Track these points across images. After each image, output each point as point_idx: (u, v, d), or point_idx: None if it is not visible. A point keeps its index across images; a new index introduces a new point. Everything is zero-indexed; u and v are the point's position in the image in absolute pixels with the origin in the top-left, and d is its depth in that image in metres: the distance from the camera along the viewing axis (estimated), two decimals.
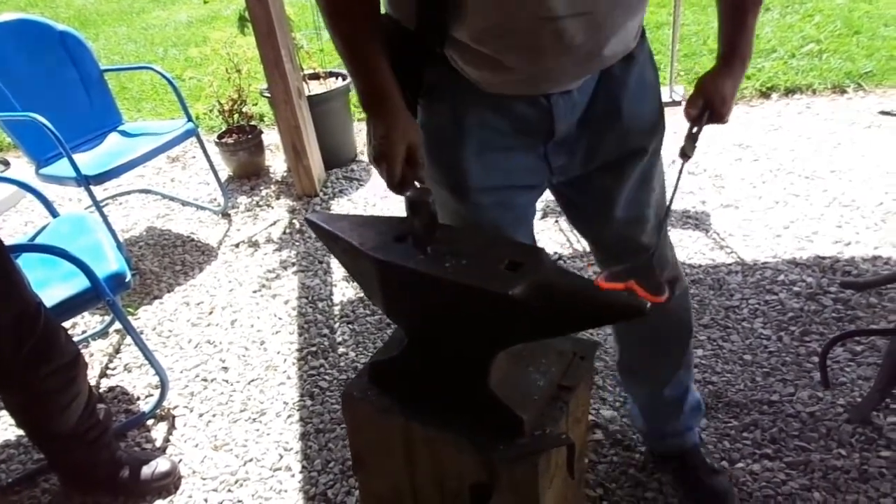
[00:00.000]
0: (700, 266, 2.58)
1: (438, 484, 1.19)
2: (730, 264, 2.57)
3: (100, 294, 1.94)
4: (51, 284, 1.95)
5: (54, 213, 2.41)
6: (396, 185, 1.09)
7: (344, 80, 3.57)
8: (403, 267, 1.02)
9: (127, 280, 2.04)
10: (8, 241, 1.60)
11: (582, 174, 1.28)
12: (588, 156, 1.25)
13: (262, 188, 3.59)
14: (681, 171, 1.22)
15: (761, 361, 2.11)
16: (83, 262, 1.91)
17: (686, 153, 1.23)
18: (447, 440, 1.10)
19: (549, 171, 1.26)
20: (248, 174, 3.67)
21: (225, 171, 3.74)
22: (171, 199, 3.61)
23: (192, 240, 3.22)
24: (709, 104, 1.22)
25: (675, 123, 1.37)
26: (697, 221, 2.86)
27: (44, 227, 2.31)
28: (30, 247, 2.01)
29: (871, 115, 3.57)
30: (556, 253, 2.74)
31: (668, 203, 1.26)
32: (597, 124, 1.21)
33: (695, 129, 1.24)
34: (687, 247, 2.70)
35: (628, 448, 1.88)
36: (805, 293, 2.35)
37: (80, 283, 1.94)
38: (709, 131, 1.28)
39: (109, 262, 2.06)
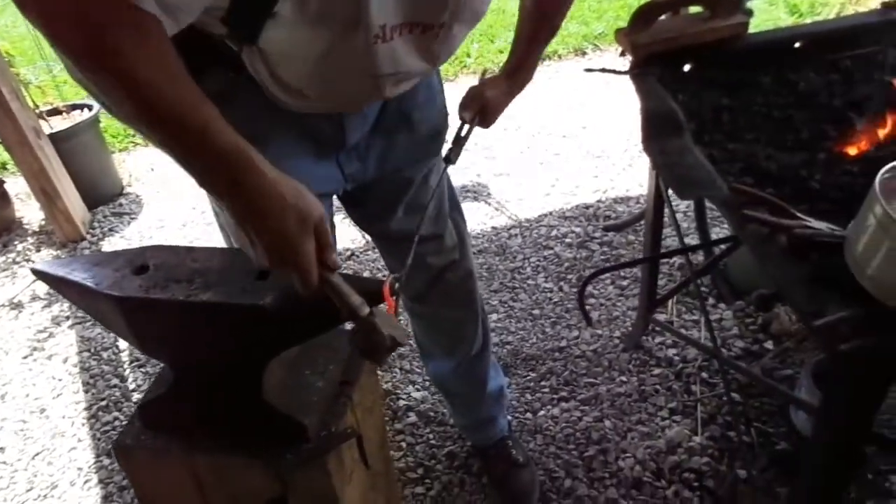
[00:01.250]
0: (484, 234, 2.73)
1: None
2: (510, 228, 2.74)
3: None
4: None
5: None
6: (314, 289, 0.83)
7: (90, 110, 3.28)
8: (146, 299, 0.97)
9: None
10: None
11: (373, 179, 1.29)
12: (380, 162, 1.26)
13: (16, 242, 3.20)
14: (442, 175, 1.31)
15: (548, 313, 2.29)
16: None
17: (451, 159, 1.31)
18: (234, 462, 1.07)
19: (342, 179, 1.24)
20: None
21: None
22: None
23: None
24: (483, 111, 1.32)
25: None
26: (476, 193, 3.01)
27: None
28: None
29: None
30: (347, 249, 2.75)
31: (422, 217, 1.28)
32: (388, 132, 1.23)
33: (463, 134, 1.32)
34: (469, 219, 2.81)
35: (442, 423, 1.95)
36: (576, 243, 2.57)
37: None
38: None
39: None
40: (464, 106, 1.33)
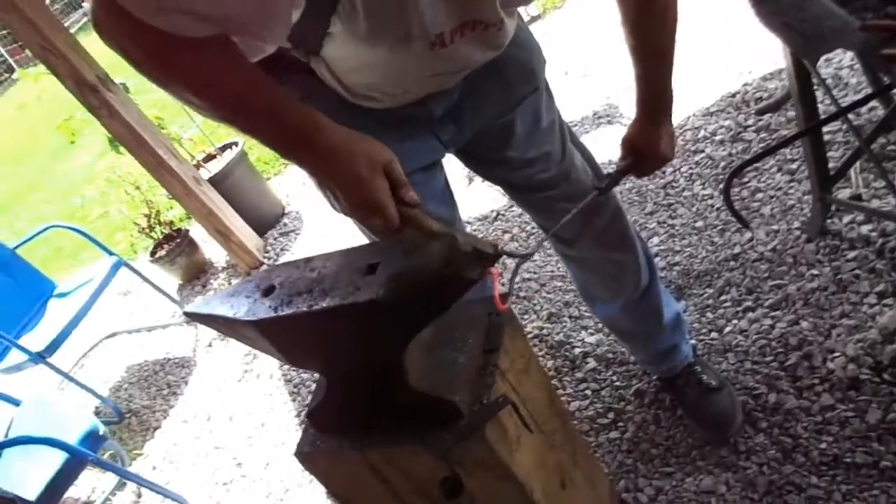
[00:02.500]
0: None
1: (422, 493, 1.18)
2: None
3: (81, 459, 1.94)
4: (33, 472, 1.95)
5: (16, 403, 2.40)
6: (396, 228, 0.90)
7: (237, 146, 3.55)
8: (277, 318, 1.01)
9: (101, 433, 2.03)
10: None
11: (475, 135, 1.26)
12: (476, 119, 1.23)
13: (212, 280, 3.58)
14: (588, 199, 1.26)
15: (713, 222, 2.10)
16: (51, 438, 1.91)
17: (599, 187, 1.28)
18: (401, 451, 1.09)
19: (441, 147, 1.23)
20: (195, 274, 3.66)
21: (174, 281, 3.73)
22: (136, 331, 3.60)
23: (169, 359, 3.21)
24: (636, 158, 1.28)
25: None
26: (609, 116, 2.84)
27: (11, 421, 2.31)
28: None
29: None
30: (492, 210, 2.72)
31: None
32: (477, 89, 1.19)
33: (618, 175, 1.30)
34: (610, 145, 2.67)
35: (623, 363, 1.87)
36: (728, 138, 2.33)
37: (60, 457, 1.93)
38: None
39: (80, 425, 2.05)
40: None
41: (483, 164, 1.38)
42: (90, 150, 7.51)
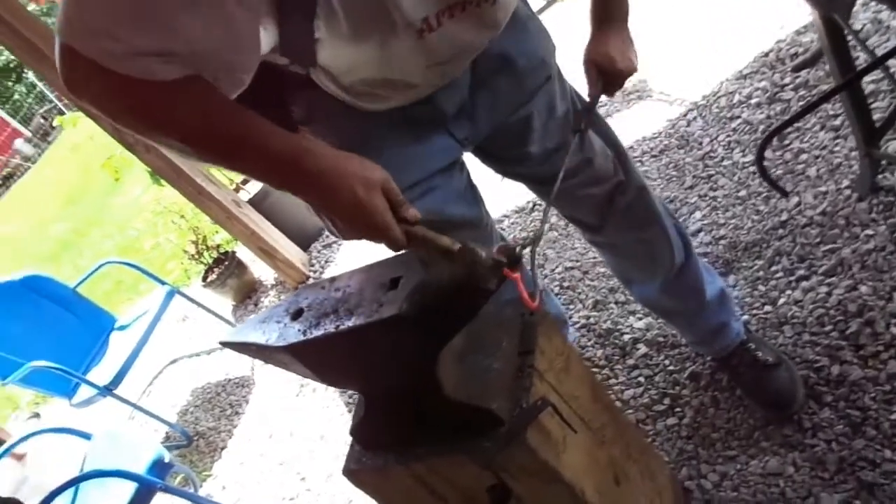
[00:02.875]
0: (660, 132, 2.49)
1: (471, 501, 1.16)
2: (685, 114, 2.47)
3: (150, 487, 1.99)
4: (109, 503, 2.02)
5: (87, 437, 2.49)
6: (402, 243, 0.89)
7: None
8: (306, 341, 1.01)
9: (167, 461, 2.09)
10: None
11: (491, 131, 1.23)
12: (491, 114, 1.20)
13: (262, 299, 3.64)
14: (573, 142, 1.20)
15: (756, 189, 2.02)
16: (120, 470, 1.97)
17: (579, 128, 1.21)
18: (444, 462, 1.08)
19: (458, 145, 1.21)
20: (246, 294, 3.73)
21: (227, 303, 3.81)
22: (196, 355, 3.70)
23: (229, 380, 3.28)
24: (601, 71, 1.19)
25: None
26: (639, 91, 2.77)
27: (85, 455, 2.40)
28: (67, 484, 2.08)
29: None
30: (528, 202, 2.68)
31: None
32: (488, 82, 1.16)
33: (588, 99, 1.23)
34: (641, 120, 2.61)
35: (675, 346, 1.82)
36: (765, 100, 2.24)
37: (131, 487, 2.00)
38: None
39: (147, 455, 2.11)
40: (588, 83, 1.22)
41: (503, 161, 1.35)
42: (139, 182, 7.77)
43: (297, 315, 1.07)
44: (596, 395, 1.28)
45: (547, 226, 1.10)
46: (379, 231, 0.85)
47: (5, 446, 2.54)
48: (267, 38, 0.86)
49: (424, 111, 1.12)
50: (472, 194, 1.31)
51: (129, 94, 0.77)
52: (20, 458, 2.99)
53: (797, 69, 2.20)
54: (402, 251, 0.94)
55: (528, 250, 0.93)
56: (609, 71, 1.18)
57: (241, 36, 0.80)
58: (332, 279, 1.10)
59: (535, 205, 2.66)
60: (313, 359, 1.04)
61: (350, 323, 0.96)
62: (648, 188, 1.42)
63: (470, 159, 1.30)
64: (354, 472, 1.18)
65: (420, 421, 1.10)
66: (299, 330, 1.03)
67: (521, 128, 1.25)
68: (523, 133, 1.25)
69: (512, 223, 2.66)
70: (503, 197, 2.72)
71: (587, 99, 1.24)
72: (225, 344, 1.18)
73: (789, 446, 1.46)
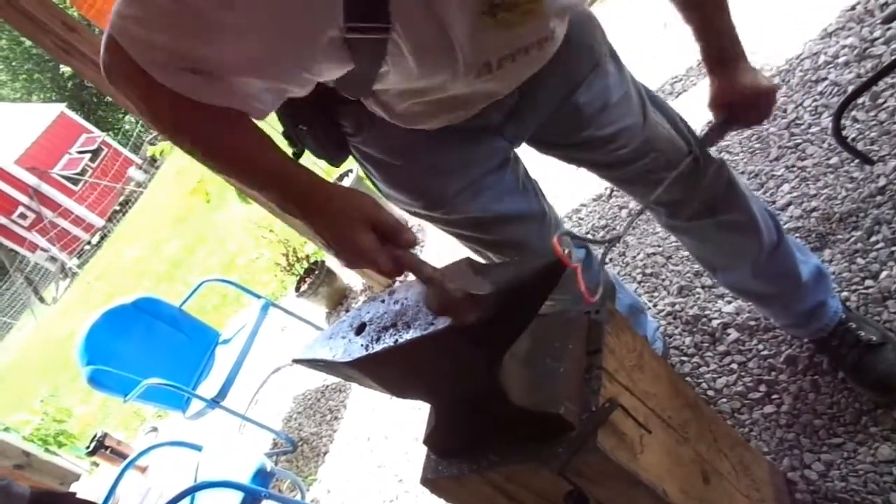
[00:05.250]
0: None
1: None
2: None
3: (255, 496, 2.09)
4: None
5: (198, 448, 2.64)
6: (392, 271, 0.94)
7: (351, 173, 3.68)
8: (370, 356, 1.02)
9: (269, 470, 2.18)
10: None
11: (541, 124, 1.22)
12: (538, 109, 1.19)
13: (353, 305, 3.73)
14: (680, 167, 1.23)
15: (849, 155, 1.87)
16: (226, 481, 2.08)
17: (693, 151, 1.24)
18: (519, 469, 1.07)
19: (507, 142, 1.21)
20: (338, 301, 3.84)
21: (321, 311, 3.94)
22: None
23: (327, 386, 3.39)
24: (733, 108, 1.22)
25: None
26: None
27: (197, 465, 2.54)
28: (182, 495, 2.21)
29: None
30: (606, 188, 2.60)
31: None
32: (533, 80, 1.13)
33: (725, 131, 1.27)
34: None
35: (769, 329, 1.72)
36: (853, 57, 2.07)
37: (238, 496, 2.10)
38: None
39: (251, 465, 2.21)
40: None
41: (563, 149, 1.32)
42: (234, 199, 8.16)
43: (360, 329, 1.08)
44: (676, 391, 1.22)
45: (627, 229, 1.08)
46: (365, 261, 0.91)
47: (128, 460, 2.73)
48: (328, 73, 0.89)
49: (473, 123, 1.12)
50: (526, 188, 1.29)
51: (162, 103, 0.82)
52: (143, 470, 3.22)
53: (888, 20, 2.03)
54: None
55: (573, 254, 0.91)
56: (744, 105, 1.20)
57: (284, 65, 0.83)
58: (391, 291, 1.10)
59: (612, 191, 2.58)
60: (378, 372, 1.06)
61: (408, 336, 0.97)
62: (727, 165, 1.34)
63: (531, 153, 1.28)
64: (431, 481, 1.18)
65: (491, 427, 1.10)
66: (362, 345, 1.04)
67: (573, 115, 1.21)
68: (577, 120, 1.22)
69: (590, 212, 2.59)
70: (580, 185, 2.66)
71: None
72: (297, 361, 1.21)
73: None
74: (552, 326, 1.13)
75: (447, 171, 1.17)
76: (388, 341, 1.00)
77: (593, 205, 2.61)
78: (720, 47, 1.16)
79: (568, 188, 2.65)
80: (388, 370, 1.04)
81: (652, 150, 1.27)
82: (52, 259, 17.42)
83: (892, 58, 1.91)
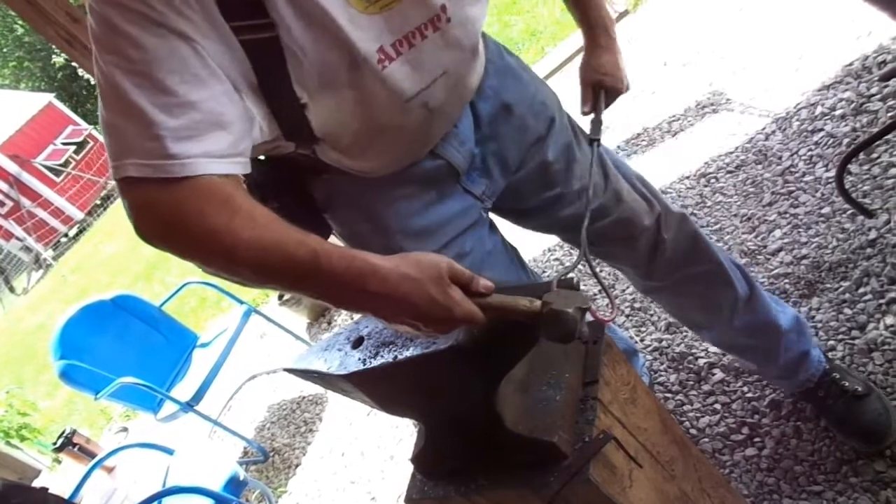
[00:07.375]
0: (736, 147, 2.39)
1: None
2: (763, 127, 2.37)
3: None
4: None
5: (170, 452, 2.59)
6: (482, 320, 0.86)
7: None
8: (366, 371, 1.02)
9: (241, 479, 2.14)
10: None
11: (508, 184, 1.24)
12: (503, 165, 1.21)
13: (336, 317, 3.71)
14: (592, 155, 1.21)
15: (841, 206, 1.91)
16: (198, 487, 2.04)
17: (596, 137, 1.23)
18: (509, 495, 1.06)
19: (478, 202, 1.21)
20: (320, 313, 3.81)
21: (302, 321, 3.90)
22: (273, 371, 3.80)
23: (304, 398, 3.35)
24: (600, 86, 1.25)
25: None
26: (713, 105, 2.67)
27: (167, 469, 2.49)
28: (150, 499, 2.16)
29: None
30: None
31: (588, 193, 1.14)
32: (492, 134, 1.18)
33: (592, 115, 1.26)
34: (717, 134, 2.52)
35: (754, 372, 1.73)
36: (849, 111, 2.12)
37: (209, 502, 2.06)
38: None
39: (223, 472, 2.18)
40: (582, 101, 1.27)
41: (533, 213, 1.32)
42: None
43: (357, 343, 1.08)
44: (665, 427, 1.23)
45: (585, 247, 1.07)
46: (464, 320, 0.82)
47: (96, 460, 2.67)
48: (267, 124, 0.90)
49: (437, 168, 1.13)
50: (509, 257, 1.30)
51: (192, 224, 0.80)
52: (110, 470, 3.15)
53: (885, 78, 2.08)
54: None
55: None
56: (612, 81, 1.25)
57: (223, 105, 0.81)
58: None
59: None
60: (373, 388, 1.05)
61: (408, 353, 0.97)
62: (689, 217, 1.39)
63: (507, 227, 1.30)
64: (416, 501, 1.17)
65: (481, 451, 1.09)
66: (359, 359, 1.04)
67: (541, 173, 1.24)
68: (545, 178, 1.25)
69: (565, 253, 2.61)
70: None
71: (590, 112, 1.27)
72: (289, 371, 1.20)
73: (882, 483, 1.37)
74: (549, 354, 1.13)
75: (424, 235, 1.16)
76: (387, 357, 0.99)
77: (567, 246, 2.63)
78: (598, 15, 1.25)
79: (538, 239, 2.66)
80: (383, 386, 1.03)
81: (616, 204, 1.30)
82: (27, 249, 17.10)
83: None
